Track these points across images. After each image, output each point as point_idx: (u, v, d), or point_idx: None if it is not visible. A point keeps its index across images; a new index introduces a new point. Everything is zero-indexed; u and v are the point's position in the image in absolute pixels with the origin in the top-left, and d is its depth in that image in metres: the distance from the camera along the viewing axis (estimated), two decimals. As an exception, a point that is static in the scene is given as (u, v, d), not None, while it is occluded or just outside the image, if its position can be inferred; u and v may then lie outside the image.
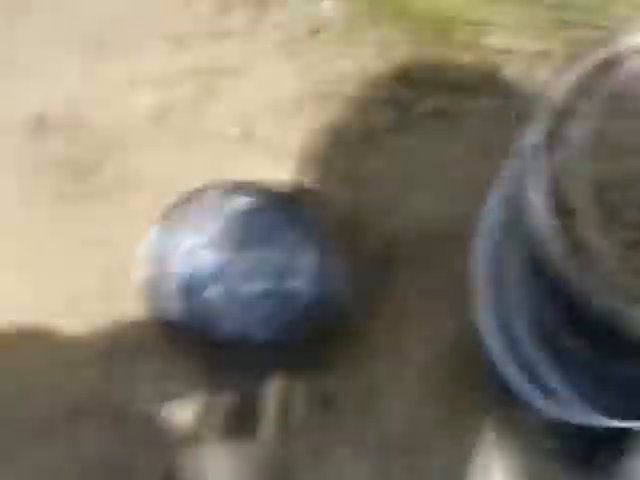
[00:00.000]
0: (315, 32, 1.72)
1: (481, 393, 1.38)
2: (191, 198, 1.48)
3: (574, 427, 1.19)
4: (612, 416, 1.11)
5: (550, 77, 1.05)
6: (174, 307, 1.44)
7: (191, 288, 1.44)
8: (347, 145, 1.62)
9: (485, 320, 1.20)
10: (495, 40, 1.64)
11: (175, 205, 1.48)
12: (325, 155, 1.62)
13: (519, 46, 1.64)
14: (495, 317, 1.19)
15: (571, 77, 1.01)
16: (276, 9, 1.77)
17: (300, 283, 1.44)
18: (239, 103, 1.69)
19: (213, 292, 1.43)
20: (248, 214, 1.45)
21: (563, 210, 0.96)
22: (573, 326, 1.03)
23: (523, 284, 1.14)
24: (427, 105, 1.63)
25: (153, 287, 1.46)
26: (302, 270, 1.45)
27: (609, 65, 1.03)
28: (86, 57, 1.71)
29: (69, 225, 1.60)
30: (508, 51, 1.63)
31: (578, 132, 0.99)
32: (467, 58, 1.64)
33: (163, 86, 1.70)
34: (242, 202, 1.45)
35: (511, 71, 1.62)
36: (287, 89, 1.70)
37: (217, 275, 1.43)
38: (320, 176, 1.59)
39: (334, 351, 1.45)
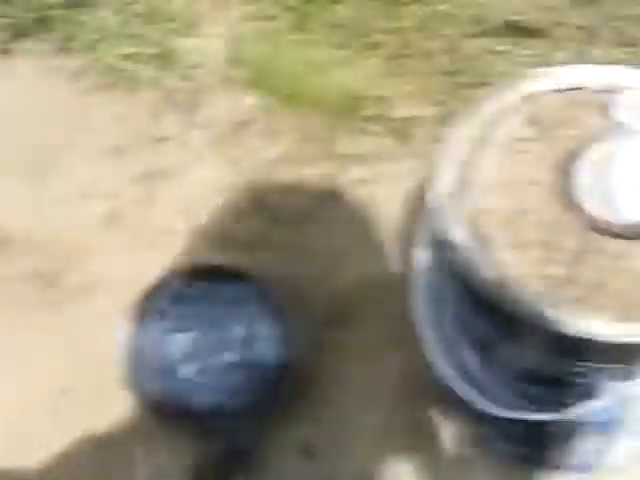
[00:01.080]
0: (241, 127, 1.90)
1: (442, 413, 1.53)
2: (154, 289, 1.63)
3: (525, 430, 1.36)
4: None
5: (449, 131, 1.23)
6: (155, 389, 1.56)
7: (167, 369, 1.56)
8: (284, 223, 1.78)
9: (429, 344, 1.38)
10: (400, 110, 1.84)
11: (140, 298, 1.63)
12: (265, 234, 1.79)
13: (423, 113, 1.84)
14: (437, 339, 1.37)
15: (468, 129, 1.21)
16: (204, 110, 1.96)
17: (262, 351, 1.57)
18: (180, 200, 1.86)
19: (187, 370, 1.56)
20: (208, 295, 1.61)
21: (479, 237, 1.15)
22: (501, 331, 1.21)
23: (457, 311, 1.32)
24: (350, 176, 1.81)
25: (133, 375, 1.58)
26: (262, 339, 1.58)
27: (501, 115, 1.24)
28: (37, 179, 1.90)
29: (44, 333, 1.72)
30: (413, 118, 1.82)
31: (481, 174, 1.18)
32: (378, 130, 1.83)
33: (111, 193, 1.86)
34: (201, 285, 1.61)
35: (419, 136, 1.82)
36: (222, 182, 1.87)
37: (189, 354, 1.56)
38: (264, 253, 1.76)
39: (302, 404, 1.61)
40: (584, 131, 1.18)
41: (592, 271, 1.08)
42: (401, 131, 1.81)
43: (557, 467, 1.45)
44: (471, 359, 1.29)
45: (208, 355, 1.55)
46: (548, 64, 1.67)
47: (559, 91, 1.24)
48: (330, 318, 1.70)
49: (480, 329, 1.20)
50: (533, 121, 1.20)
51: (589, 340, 1.04)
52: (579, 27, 1.90)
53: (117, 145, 1.91)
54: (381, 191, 1.77)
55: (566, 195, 1.11)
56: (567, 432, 1.31)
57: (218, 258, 1.72)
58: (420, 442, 1.56)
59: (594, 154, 1.13)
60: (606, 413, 1.23)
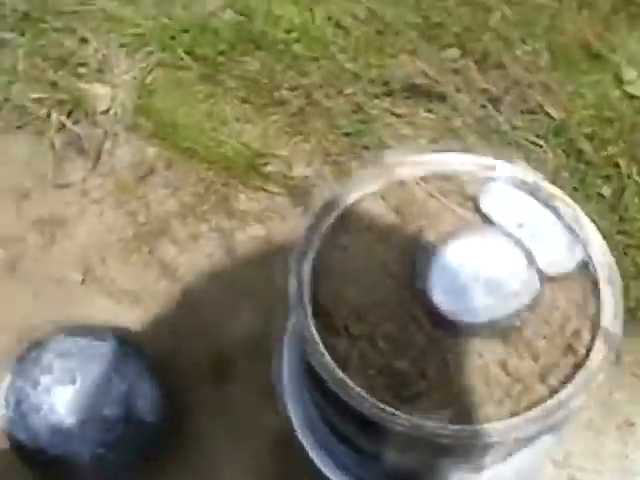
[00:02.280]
0: (142, 177, 1.91)
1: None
2: (39, 343, 1.64)
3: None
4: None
5: (312, 215, 1.24)
6: (34, 439, 1.56)
7: (50, 422, 1.57)
8: (176, 278, 1.79)
9: (294, 415, 1.39)
10: (298, 169, 1.86)
11: (26, 350, 1.64)
12: (155, 288, 1.81)
13: (321, 172, 1.85)
14: (297, 407, 1.39)
15: (332, 213, 1.22)
16: (107, 158, 1.96)
17: (142, 407, 1.59)
18: (79, 249, 1.86)
19: (69, 421, 1.56)
20: (91, 350, 1.62)
21: (330, 329, 1.16)
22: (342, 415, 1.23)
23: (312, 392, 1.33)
24: (246, 233, 1.83)
25: (13, 424, 1.58)
26: (142, 395, 1.59)
27: (368, 200, 1.25)
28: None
29: None
30: (310, 177, 1.84)
31: (336, 263, 1.19)
32: (275, 187, 1.84)
33: (9, 238, 1.87)
34: (84, 341, 1.62)
35: (316, 195, 1.83)
36: (119, 233, 1.87)
37: (71, 406, 1.56)
38: (152, 306, 1.77)
39: (178, 456, 1.62)
40: (446, 222, 1.19)
41: (437, 368, 1.09)
42: (299, 189, 1.81)
43: None
44: (327, 435, 1.30)
45: (90, 408, 1.55)
46: (449, 129, 1.71)
47: (428, 178, 1.24)
48: (210, 374, 1.72)
49: (332, 416, 1.21)
50: (398, 209, 1.21)
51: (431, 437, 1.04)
52: (483, 90, 1.90)
53: (20, 188, 1.89)
54: (275, 249, 1.77)
55: (419, 289, 1.12)
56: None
57: (106, 313, 1.70)
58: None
59: (451, 248, 1.14)
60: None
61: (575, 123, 1.84)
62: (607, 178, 1.78)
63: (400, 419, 1.04)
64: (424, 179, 1.24)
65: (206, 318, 1.77)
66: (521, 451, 1.20)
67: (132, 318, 1.74)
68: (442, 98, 1.89)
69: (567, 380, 1.09)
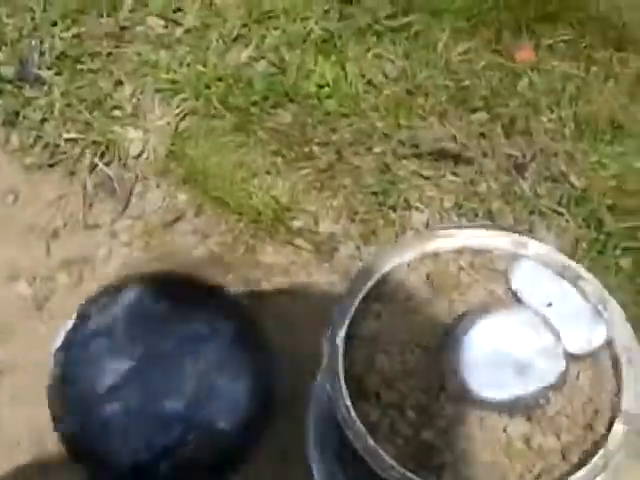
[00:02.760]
0: (170, 223, 1.96)
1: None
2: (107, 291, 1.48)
3: None
4: None
5: (348, 287, 1.29)
6: (74, 423, 1.41)
7: (87, 402, 1.35)
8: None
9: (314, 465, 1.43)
10: (325, 225, 1.91)
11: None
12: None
13: (347, 229, 1.90)
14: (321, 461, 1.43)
15: (365, 284, 1.27)
16: (137, 201, 2.01)
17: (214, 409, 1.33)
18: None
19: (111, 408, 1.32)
20: (173, 315, 1.43)
21: (361, 395, 1.20)
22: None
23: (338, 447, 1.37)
24: (271, 286, 1.87)
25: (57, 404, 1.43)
26: (218, 393, 1.33)
27: (400, 271, 1.30)
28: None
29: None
30: (336, 234, 1.89)
31: (369, 331, 1.24)
32: (301, 242, 1.89)
33: (39, 276, 1.91)
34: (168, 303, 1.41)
35: (342, 252, 1.88)
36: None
37: (116, 388, 1.33)
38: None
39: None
40: (476, 297, 1.23)
41: (463, 440, 1.13)
42: (324, 246, 1.86)
43: None
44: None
45: (143, 396, 1.29)
46: (473, 192, 1.75)
47: (461, 251, 1.28)
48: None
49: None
50: (430, 281, 1.25)
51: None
52: (508, 156, 1.95)
53: (50, 227, 1.94)
54: (300, 304, 1.80)
55: (448, 362, 1.16)
56: None
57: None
58: None
59: (481, 324, 1.18)
60: None
61: (597, 193, 1.87)
62: (626, 250, 1.82)
63: None
64: (457, 252, 1.27)
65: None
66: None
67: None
68: (468, 162, 1.93)
69: (587, 458, 1.11)
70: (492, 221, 1.83)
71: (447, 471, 1.11)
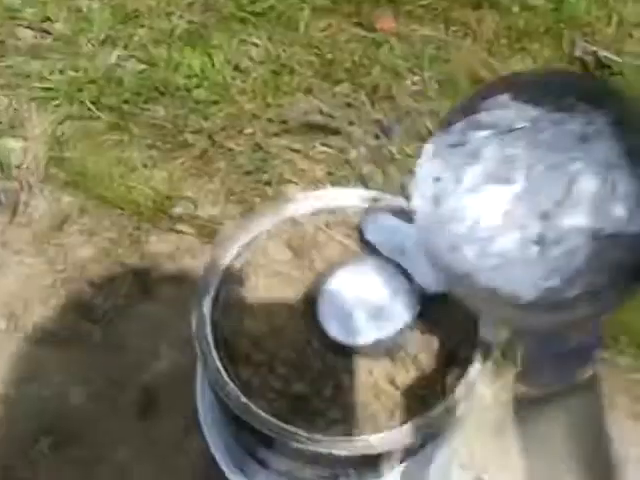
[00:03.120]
0: (58, 226, 2.01)
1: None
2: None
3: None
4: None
5: (213, 254, 1.36)
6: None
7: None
8: (97, 320, 1.89)
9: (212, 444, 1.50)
10: (205, 209, 1.98)
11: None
12: (79, 331, 1.89)
13: (227, 211, 1.97)
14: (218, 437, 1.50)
15: (228, 253, 1.34)
16: (24, 210, 2.06)
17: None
18: (1, 298, 1.95)
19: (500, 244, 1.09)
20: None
21: (232, 358, 1.28)
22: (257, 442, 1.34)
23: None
24: (160, 273, 1.94)
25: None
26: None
27: (261, 238, 1.37)
28: None
29: None
30: (217, 217, 1.96)
31: (235, 297, 1.31)
32: (185, 228, 1.96)
33: None
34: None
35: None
36: (40, 281, 1.98)
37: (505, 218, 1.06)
38: (79, 350, 1.87)
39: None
40: (334, 253, 1.31)
41: (332, 388, 1.21)
42: (207, 229, 1.92)
43: None
44: (244, 457, 1.41)
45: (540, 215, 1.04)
46: (345, 160, 1.83)
47: (317, 214, 1.36)
48: (136, 411, 1.81)
49: (243, 440, 1.32)
50: (290, 245, 1.33)
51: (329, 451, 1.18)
52: (375, 122, 2.03)
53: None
54: (186, 286, 1.87)
55: (310, 316, 1.24)
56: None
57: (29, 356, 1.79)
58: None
59: (336, 277, 1.26)
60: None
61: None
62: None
63: (300, 436, 1.15)
64: (313, 214, 1.35)
65: (128, 357, 1.84)
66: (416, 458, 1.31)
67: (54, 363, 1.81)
68: (336, 131, 2.00)
69: (451, 389, 1.20)
70: (365, 186, 1.89)
71: (319, 417, 1.19)
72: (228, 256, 1.31)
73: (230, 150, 1.99)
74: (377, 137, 2.02)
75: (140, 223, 1.95)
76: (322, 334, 1.22)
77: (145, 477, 1.73)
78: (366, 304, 1.23)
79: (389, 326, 1.22)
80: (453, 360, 1.26)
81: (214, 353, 1.22)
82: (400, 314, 1.23)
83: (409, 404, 1.22)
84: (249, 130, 2.03)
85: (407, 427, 1.19)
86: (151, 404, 1.81)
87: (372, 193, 1.37)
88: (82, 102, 2.11)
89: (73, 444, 1.76)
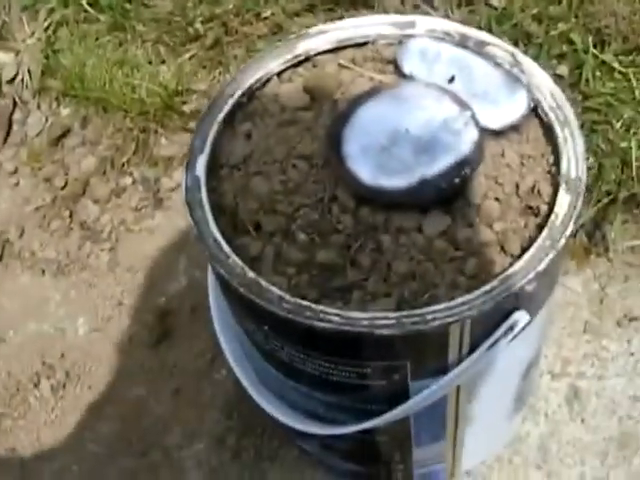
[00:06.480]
0: (56, 141, 1.72)
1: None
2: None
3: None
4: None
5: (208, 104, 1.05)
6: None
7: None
8: (100, 240, 1.63)
9: (228, 358, 1.19)
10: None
11: None
12: (80, 255, 1.64)
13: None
14: (234, 351, 1.18)
15: (231, 100, 1.03)
16: (19, 127, 1.78)
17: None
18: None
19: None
20: None
21: (235, 230, 0.96)
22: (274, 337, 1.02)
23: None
24: (171, 179, 1.64)
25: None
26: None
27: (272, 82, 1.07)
28: None
29: None
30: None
31: (238, 155, 0.99)
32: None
33: None
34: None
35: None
36: (37, 201, 1.73)
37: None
38: (83, 274, 1.58)
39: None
40: (363, 89, 0.99)
41: (370, 252, 0.89)
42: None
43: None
44: (267, 371, 1.10)
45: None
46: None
47: (337, 49, 1.04)
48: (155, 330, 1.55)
49: (257, 336, 1.01)
50: (307, 88, 1.01)
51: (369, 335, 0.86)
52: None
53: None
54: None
55: (335, 163, 0.92)
56: (396, 441, 1.12)
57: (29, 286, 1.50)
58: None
59: (367, 108, 0.95)
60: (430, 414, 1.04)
61: (518, 7, 1.63)
62: (562, 57, 1.58)
63: (329, 315, 0.83)
64: (333, 50, 1.03)
65: (139, 279, 1.59)
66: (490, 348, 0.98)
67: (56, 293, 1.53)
68: (368, 4, 1.68)
69: (531, 244, 0.87)
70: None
71: (355, 293, 0.87)
72: (227, 104, 0.99)
73: (247, 36, 1.68)
74: (417, 7, 1.68)
75: (147, 124, 1.65)
76: (352, 182, 0.90)
77: (165, 415, 1.46)
78: (407, 135, 0.91)
79: (439, 158, 0.89)
80: (529, 208, 0.94)
81: (211, 221, 0.90)
82: (453, 144, 0.90)
83: (477, 268, 0.88)
84: (267, 12, 1.69)
85: (472, 294, 0.86)
86: (168, 331, 1.54)
87: (407, 17, 1.04)
88: (78, 4, 1.80)
89: (78, 384, 1.45)
